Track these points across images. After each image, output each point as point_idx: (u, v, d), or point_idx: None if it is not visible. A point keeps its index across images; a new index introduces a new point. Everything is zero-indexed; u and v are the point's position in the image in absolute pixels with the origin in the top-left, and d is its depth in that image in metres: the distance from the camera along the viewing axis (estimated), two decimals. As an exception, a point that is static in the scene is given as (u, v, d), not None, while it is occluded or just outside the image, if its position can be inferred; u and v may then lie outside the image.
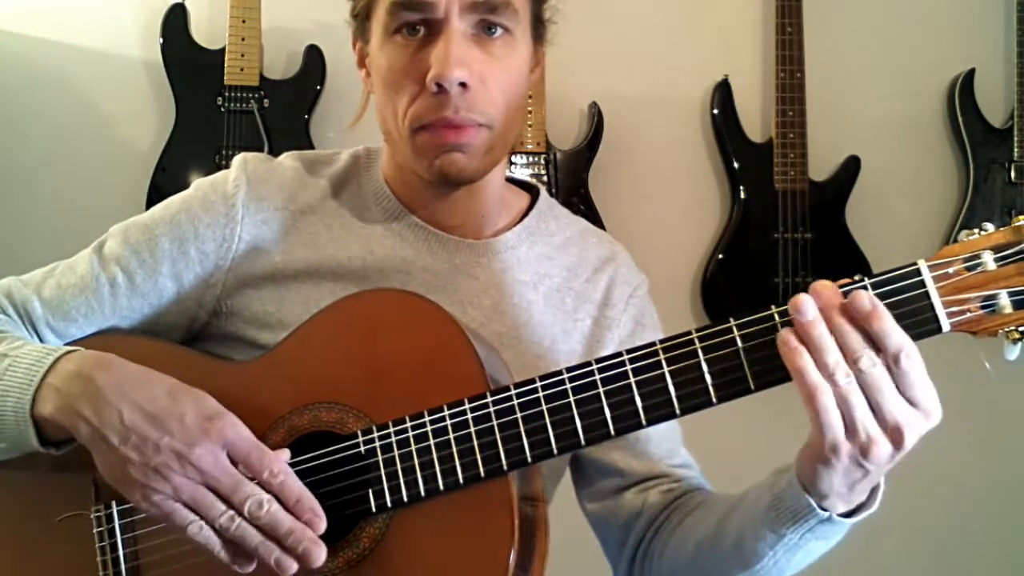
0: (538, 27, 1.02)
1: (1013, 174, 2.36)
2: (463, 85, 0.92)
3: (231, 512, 0.81)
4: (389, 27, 0.95)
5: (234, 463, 0.83)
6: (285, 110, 2.20)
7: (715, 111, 2.35)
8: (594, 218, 2.27)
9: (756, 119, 2.39)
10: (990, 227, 0.76)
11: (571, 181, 2.28)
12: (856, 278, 0.77)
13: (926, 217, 2.43)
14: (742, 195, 2.32)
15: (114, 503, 0.90)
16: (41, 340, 1.00)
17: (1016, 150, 2.36)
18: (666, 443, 1.07)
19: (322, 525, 0.82)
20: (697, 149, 2.41)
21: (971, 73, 2.38)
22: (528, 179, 1.18)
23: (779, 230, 2.30)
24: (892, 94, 2.44)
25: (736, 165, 2.33)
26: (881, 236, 2.33)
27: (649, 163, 2.39)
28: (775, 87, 2.31)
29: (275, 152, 1.10)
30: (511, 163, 2.25)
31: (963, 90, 2.38)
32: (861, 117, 2.43)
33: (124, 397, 0.84)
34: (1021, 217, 0.75)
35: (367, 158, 1.09)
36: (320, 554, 0.82)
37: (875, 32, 2.44)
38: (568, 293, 1.07)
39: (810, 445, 0.78)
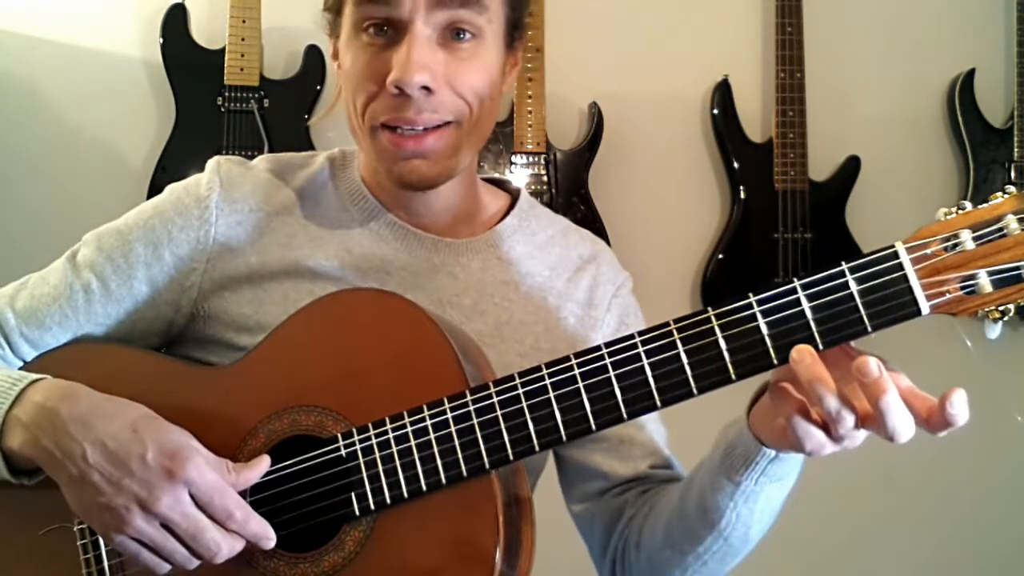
0: (513, 33, 1.00)
1: (1013, 174, 2.35)
2: (426, 89, 0.91)
3: (189, 555, 0.83)
4: (356, 23, 0.93)
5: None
6: (285, 110, 2.20)
7: (715, 111, 2.34)
8: (594, 218, 2.27)
9: (756, 119, 2.38)
10: (968, 205, 0.73)
11: (571, 181, 2.28)
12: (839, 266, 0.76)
13: (926, 217, 2.40)
14: (742, 195, 2.32)
15: None
16: (13, 351, 0.99)
17: (1016, 150, 2.35)
18: (649, 445, 1.06)
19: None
20: (697, 149, 2.41)
21: (971, 73, 2.38)
22: (504, 178, 1.17)
23: (779, 230, 2.29)
24: (892, 94, 2.44)
25: (736, 165, 2.33)
26: (881, 236, 2.26)
27: (649, 163, 2.39)
28: (775, 87, 2.30)
29: (274, 152, 1.10)
30: (511, 163, 2.25)
31: (963, 90, 2.37)
32: (861, 117, 2.43)
33: (88, 432, 0.83)
34: (998, 194, 0.72)
35: (342, 160, 1.08)
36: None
37: (875, 32, 2.44)
38: (551, 292, 1.06)
39: (777, 431, 0.80)
